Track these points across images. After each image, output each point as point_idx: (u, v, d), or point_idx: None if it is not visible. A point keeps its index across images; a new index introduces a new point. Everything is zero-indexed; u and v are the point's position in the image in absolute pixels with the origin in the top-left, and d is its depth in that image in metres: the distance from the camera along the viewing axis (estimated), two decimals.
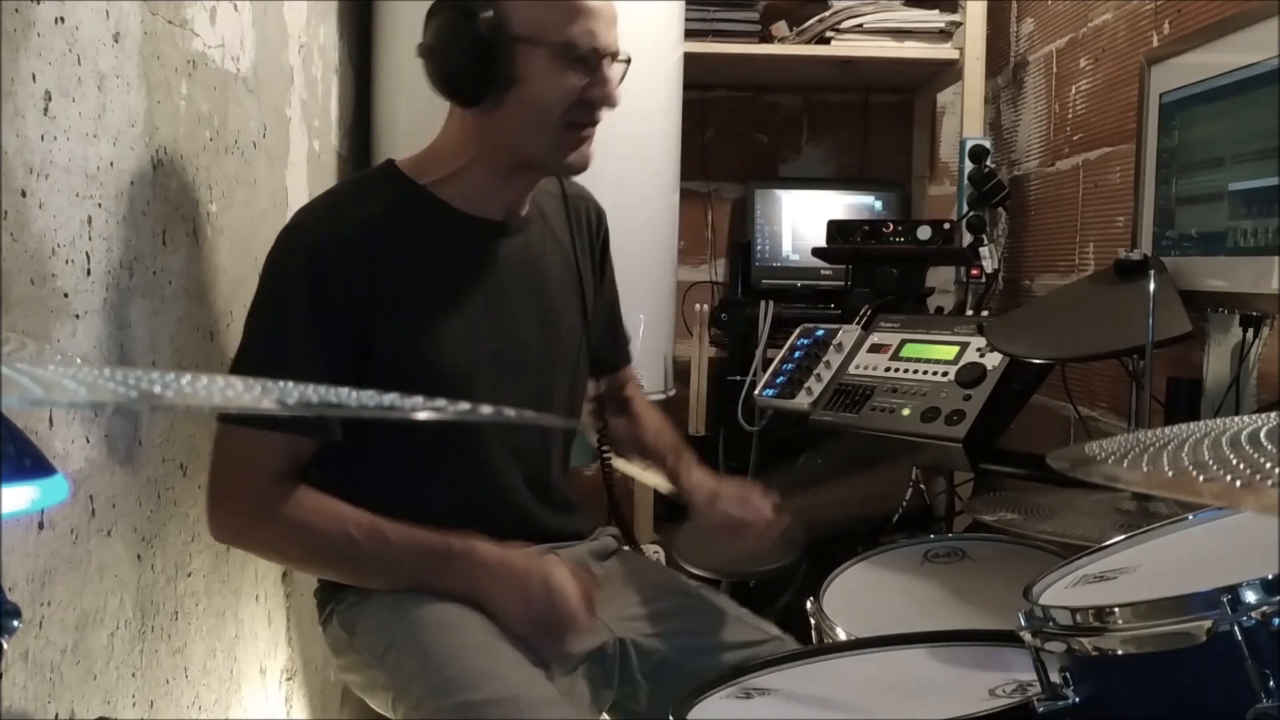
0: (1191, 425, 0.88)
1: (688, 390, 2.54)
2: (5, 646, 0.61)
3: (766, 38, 2.72)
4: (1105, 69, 2.20)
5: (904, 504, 2.50)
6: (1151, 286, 1.52)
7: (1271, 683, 0.80)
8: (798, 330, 2.28)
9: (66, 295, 1.04)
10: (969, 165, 2.54)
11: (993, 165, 2.54)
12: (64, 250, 1.04)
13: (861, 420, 1.94)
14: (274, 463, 1.27)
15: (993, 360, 1.85)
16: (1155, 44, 1.97)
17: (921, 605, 1.51)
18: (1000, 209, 2.64)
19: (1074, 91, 2.35)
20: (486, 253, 1.41)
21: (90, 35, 1.07)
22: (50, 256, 1.01)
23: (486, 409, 0.61)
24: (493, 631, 1.28)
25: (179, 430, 1.30)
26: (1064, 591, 1.05)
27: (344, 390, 0.57)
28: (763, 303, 2.54)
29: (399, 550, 1.30)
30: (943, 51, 2.66)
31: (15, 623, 0.62)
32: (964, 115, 2.64)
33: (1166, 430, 0.87)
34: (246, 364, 1.31)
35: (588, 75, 1.33)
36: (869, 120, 3.07)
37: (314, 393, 0.56)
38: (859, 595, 1.55)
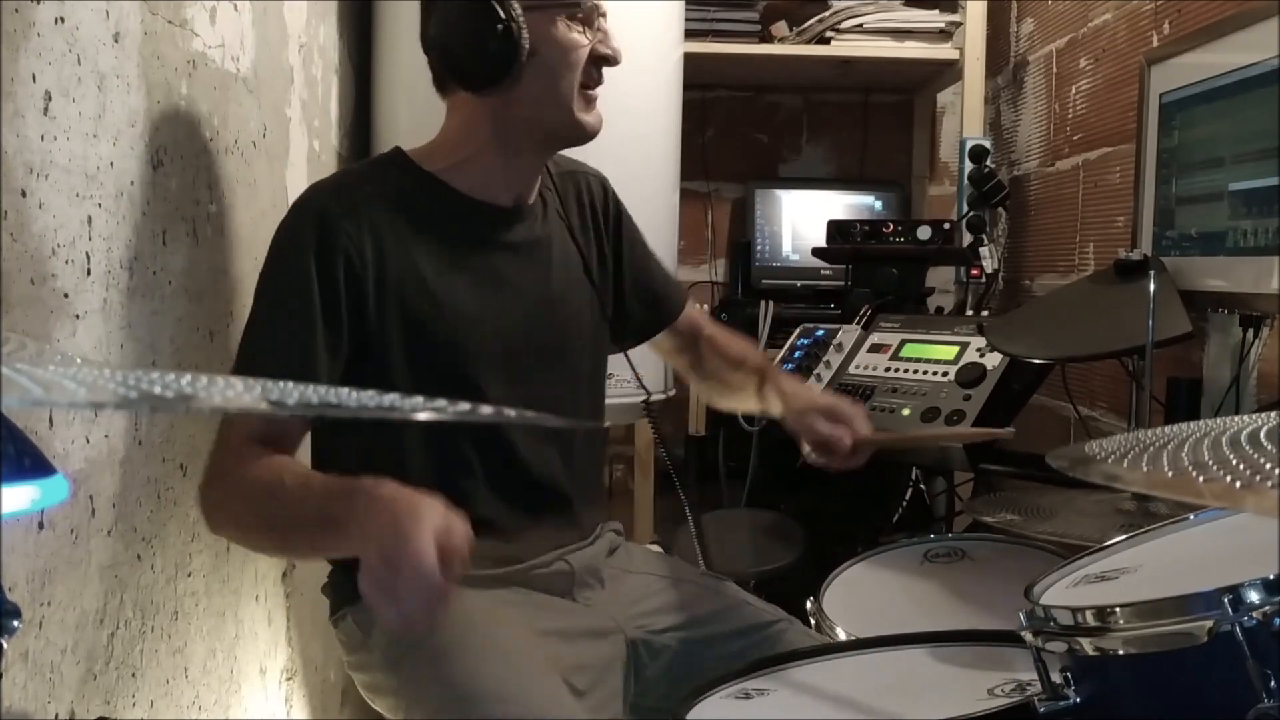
0: (1191, 425, 0.87)
1: (688, 390, 2.54)
2: (5, 646, 0.61)
3: (766, 38, 2.73)
4: (1105, 69, 2.20)
5: (903, 503, 2.50)
6: (1151, 286, 1.52)
7: (1273, 683, 0.80)
8: (798, 330, 2.28)
9: (66, 295, 1.04)
10: (969, 165, 2.54)
11: (993, 165, 2.54)
12: (64, 250, 1.04)
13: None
14: (250, 423, 1.23)
15: (993, 360, 1.85)
16: (1155, 44, 1.97)
17: (921, 605, 1.51)
18: (1000, 209, 2.64)
19: (1074, 91, 2.35)
20: (495, 237, 1.41)
21: (90, 35, 1.07)
22: (50, 256, 1.01)
23: (486, 409, 0.61)
24: (514, 645, 1.27)
25: (179, 430, 1.30)
26: (1065, 591, 1.05)
27: (344, 390, 0.57)
28: (763, 303, 2.54)
29: (316, 490, 1.18)
30: (943, 51, 2.66)
31: (15, 623, 0.61)
32: (964, 115, 2.64)
33: (1166, 430, 0.87)
34: (252, 336, 1.30)
35: (592, 33, 1.36)
36: (869, 120, 3.07)
37: (314, 393, 0.56)
38: (859, 595, 1.55)
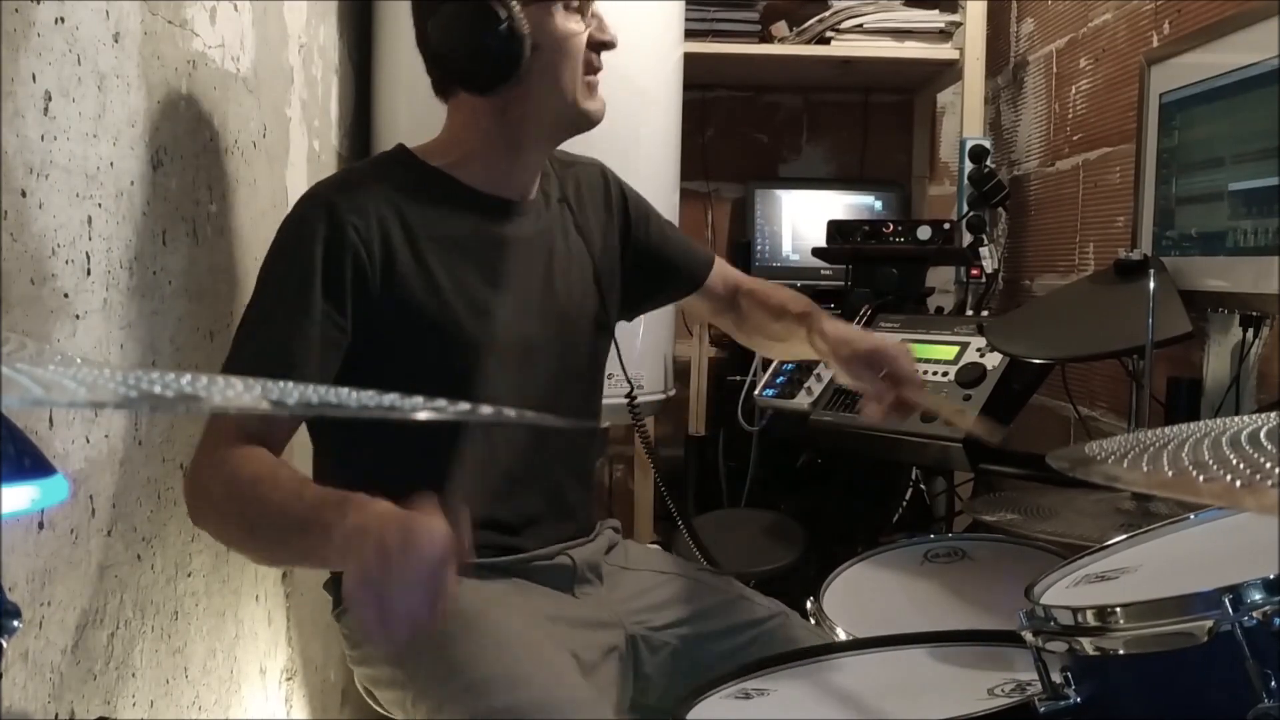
0: (1191, 425, 0.88)
1: (688, 390, 2.54)
2: (5, 646, 0.61)
3: (766, 38, 2.72)
4: (1105, 69, 2.20)
5: (903, 503, 2.50)
6: (1151, 286, 1.52)
7: (1273, 683, 0.80)
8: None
9: (66, 295, 1.04)
10: (969, 165, 2.54)
11: (993, 165, 2.54)
12: (64, 250, 1.04)
13: (861, 420, 1.94)
14: (240, 418, 1.20)
15: (993, 360, 1.85)
16: (1155, 44, 1.97)
17: (921, 605, 1.51)
18: (1000, 209, 2.64)
19: (1074, 91, 2.35)
20: (499, 229, 1.41)
21: (90, 35, 1.07)
22: (50, 256, 1.01)
23: (487, 409, 0.61)
24: (521, 631, 1.27)
25: (179, 430, 1.30)
26: (1065, 591, 1.05)
27: (344, 390, 0.57)
28: None
29: (306, 499, 1.12)
30: (943, 51, 2.66)
31: (15, 623, 0.61)
32: (964, 115, 2.64)
33: (1166, 430, 0.87)
34: (251, 322, 1.29)
35: (587, 19, 1.36)
36: (869, 120, 3.07)
37: (314, 393, 0.56)
38: (859, 595, 1.55)
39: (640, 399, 1.77)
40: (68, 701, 1.05)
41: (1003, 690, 1.09)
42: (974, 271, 2.51)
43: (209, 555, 1.40)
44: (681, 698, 1.19)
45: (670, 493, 1.70)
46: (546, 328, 1.44)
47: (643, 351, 2.05)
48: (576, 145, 1.49)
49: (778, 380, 2.19)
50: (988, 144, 2.55)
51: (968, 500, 2.26)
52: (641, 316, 1.73)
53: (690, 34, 2.38)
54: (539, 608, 1.34)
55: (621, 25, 1.40)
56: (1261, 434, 0.77)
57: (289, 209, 1.36)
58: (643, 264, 1.58)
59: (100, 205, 1.10)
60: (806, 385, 2.12)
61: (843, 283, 2.54)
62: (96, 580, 1.11)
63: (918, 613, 1.47)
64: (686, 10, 2.28)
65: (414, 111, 2.00)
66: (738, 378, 2.47)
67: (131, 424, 1.19)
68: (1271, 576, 0.82)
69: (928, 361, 1.96)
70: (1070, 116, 2.37)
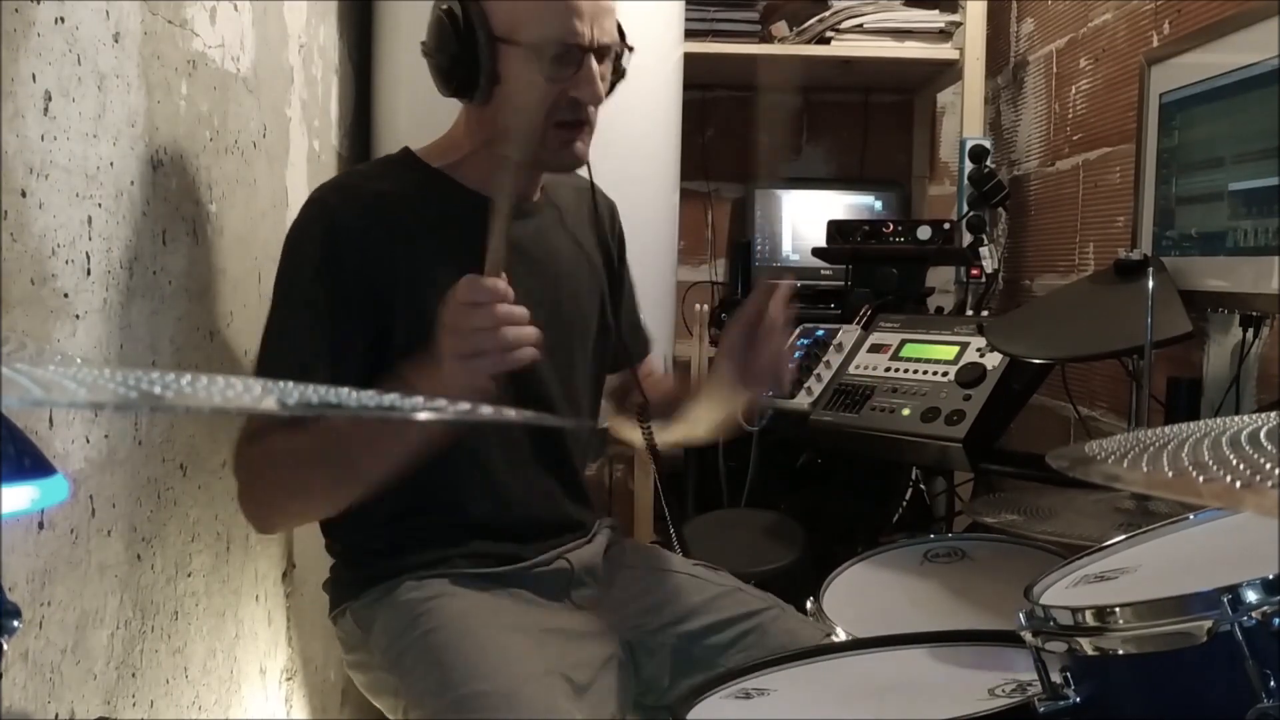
0: (1191, 425, 0.87)
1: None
2: (5, 646, 0.61)
3: (766, 38, 2.72)
4: (1105, 69, 2.20)
5: (903, 503, 2.50)
6: (1151, 286, 1.52)
7: (1272, 683, 0.80)
8: (798, 330, 2.28)
9: (66, 295, 1.04)
10: (969, 165, 2.54)
11: (993, 165, 2.54)
12: (64, 250, 1.04)
13: (861, 420, 1.94)
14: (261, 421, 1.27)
15: (993, 360, 1.85)
16: (1155, 44, 1.97)
17: (921, 605, 1.51)
18: (1000, 209, 2.64)
19: (1074, 91, 2.35)
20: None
21: (90, 35, 1.07)
22: (50, 256, 1.01)
23: (487, 409, 0.61)
24: (513, 644, 1.28)
25: (179, 430, 1.30)
26: (1064, 591, 1.05)
27: (344, 390, 0.57)
28: None
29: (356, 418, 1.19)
30: (943, 51, 2.66)
31: (15, 623, 0.61)
32: (964, 115, 2.64)
33: (1166, 430, 0.87)
34: (269, 339, 1.33)
35: (570, 73, 1.32)
36: (869, 120, 3.07)
37: (314, 393, 0.56)
38: (859, 595, 1.54)
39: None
40: (68, 701, 1.05)
41: (1003, 690, 1.09)
42: (974, 271, 2.51)
43: (209, 555, 1.40)
44: (681, 698, 1.19)
45: (669, 494, 1.70)
46: (549, 329, 1.44)
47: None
48: None
49: None
50: (988, 144, 2.55)
51: (968, 500, 2.26)
52: (641, 315, 1.73)
53: (690, 34, 2.38)
54: (535, 622, 1.34)
55: (606, 19, 1.39)
56: (1261, 434, 0.77)
57: (289, 209, 1.36)
58: (621, 315, 1.59)
59: (100, 205, 1.10)
60: (806, 385, 2.12)
61: (843, 283, 2.54)
62: (96, 580, 1.11)
63: (918, 613, 1.47)
64: (686, 10, 2.28)
65: (414, 111, 2.00)
66: None
67: (131, 424, 1.19)
68: (1271, 576, 0.82)
69: (928, 361, 1.96)
70: (1070, 116, 2.37)
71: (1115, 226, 2.11)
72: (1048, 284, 2.47)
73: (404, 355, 1.32)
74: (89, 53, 1.07)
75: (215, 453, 1.39)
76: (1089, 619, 0.91)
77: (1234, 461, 0.70)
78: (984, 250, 2.48)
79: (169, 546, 1.28)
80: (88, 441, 1.09)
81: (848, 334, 2.17)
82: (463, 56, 1.32)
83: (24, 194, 0.97)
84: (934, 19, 2.67)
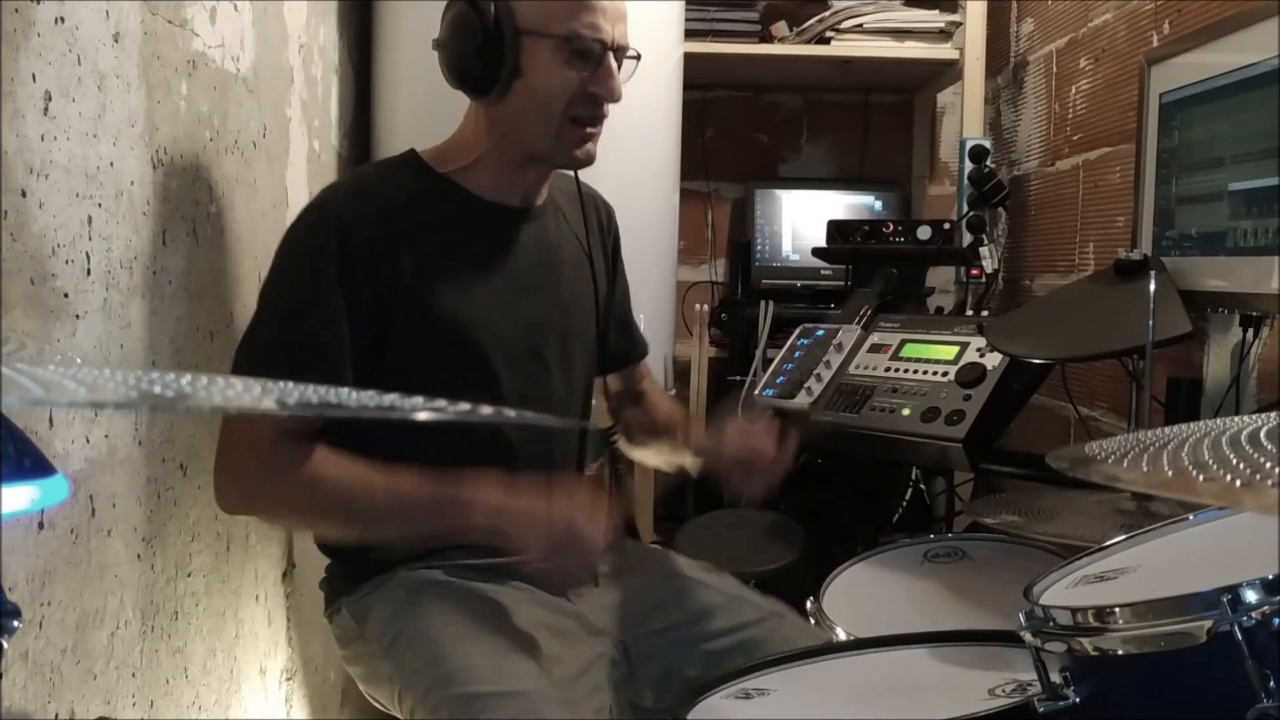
0: (1191, 425, 0.88)
1: (688, 390, 2.54)
2: (5, 646, 0.61)
3: (766, 38, 2.72)
4: (1105, 69, 2.20)
5: (903, 503, 2.50)
6: (1151, 286, 1.52)
7: (1272, 683, 0.80)
8: (798, 330, 2.28)
9: (66, 295, 1.04)
10: (969, 165, 2.54)
11: (993, 165, 2.54)
12: (64, 250, 1.04)
13: (861, 420, 1.94)
14: (277, 419, 1.27)
15: (993, 360, 1.85)
16: (1155, 44, 1.97)
17: (921, 605, 1.51)
18: (1000, 209, 2.64)
19: (1074, 91, 2.35)
20: (505, 235, 1.43)
21: (90, 35, 1.07)
22: (50, 256, 1.01)
23: (486, 409, 0.61)
24: (502, 627, 1.29)
25: (179, 430, 1.30)
26: (1064, 592, 1.05)
27: (344, 390, 0.57)
28: (763, 303, 2.54)
29: (416, 505, 1.28)
30: (943, 51, 2.66)
31: (15, 623, 0.62)
32: (964, 115, 2.64)
33: (1166, 430, 0.87)
34: (265, 335, 1.31)
35: (591, 69, 1.35)
36: (869, 120, 3.07)
37: (314, 393, 0.56)
38: (859, 595, 1.55)
39: None
40: (68, 701, 1.05)
41: (1003, 690, 1.09)
42: (974, 271, 2.51)
43: (209, 555, 1.40)
44: (682, 698, 1.19)
45: (671, 494, 1.71)
46: (550, 327, 1.45)
47: None
48: None
49: (778, 380, 2.19)
50: (988, 144, 2.55)
51: (968, 501, 2.26)
52: (640, 315, 1.73)
53: (690, 34, 2.38)
54: (531, 616, 1.34)
55: (625, 23, 1.40)
56: (1261, 434, 0.77)
57: (289, 209, 1.36)
58: (614, 317, 1.61)
59: (100, 205, 1.10)
60: (806, 385, 2.12)
61: (843, 283, 2.54)
62: (96, 580, 1.11)
63: (918, 613, 1.47)
64: (686, 10, 2.28)
65: (414, 111, 2.00)
66: (738, 378, 2.47)
67: (131, 424, 1.19)
68: (1270, 576, 0.82)
69: (928, 361, 1.96)
70: (1070, 116, 2.37)
71: (1115, 226, 2.11)
72: (1048, 284, 2.47)
73: (400, 356, 1.33)
74: (89, 53, 1.07)
75: (215, 453, 1.39)
76: (1089, 619, 0.91)
77: (1234, 461, 0.70)
78: (984, 250, 2.48)
79: (169, 546, 1.28)
80: (88, 441, 1.09)
81: (848, 334, 2.17)
82: (485, 50, 1.33)
83: (24, 194, 0.97)
84: (934, 19, 2.67)
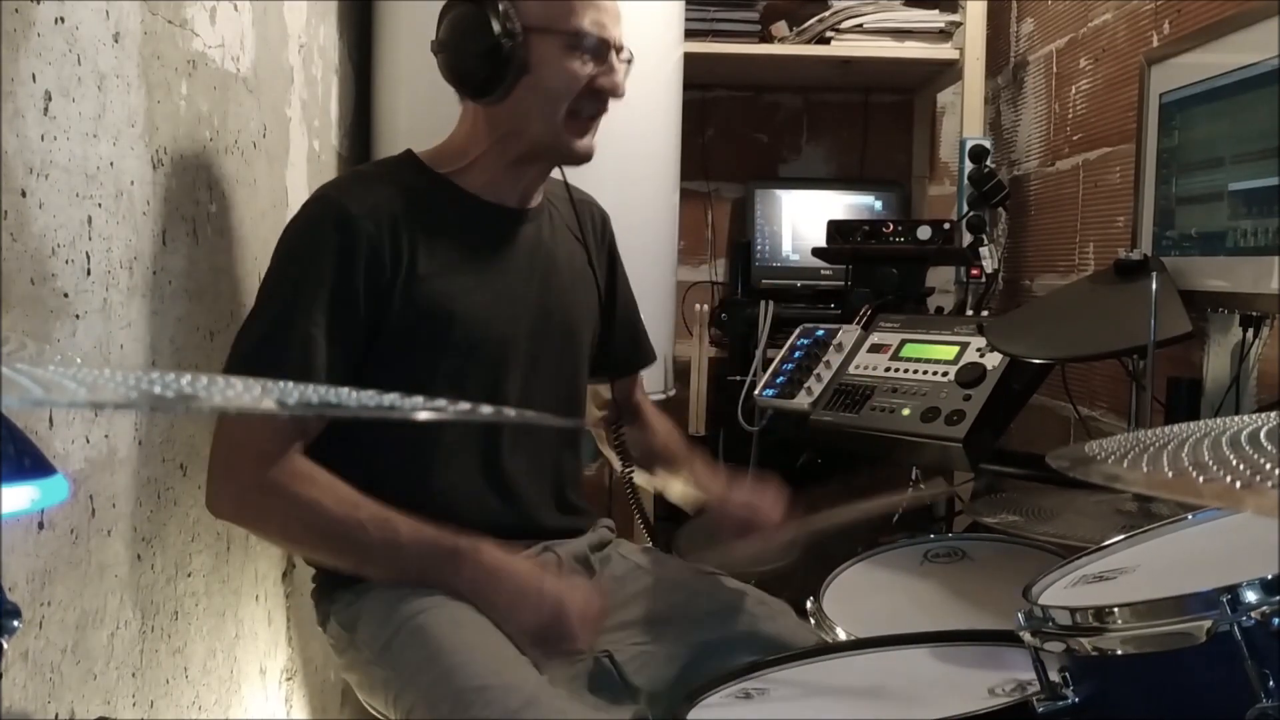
0: (1191, 425, 0.88)
1: (688, 390, 2.54)
2: (5, 646, 0.61)
3: (766, 38, 2.72)
4: (1105, 69, 2.20)
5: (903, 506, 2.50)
6: (1152, 286, 1.52)
7: (1271, 683, 0.80)
8: (798, 330, 2.28)
9: (66, 295, 1.04)
10: (969, 165, 2.54)
11: (993, 165, 2.54)
12: (64, 250, 1.04)
13: (861, 420, 1.94)
14: (275, 424, 1.27)
15: (993, 360, 1.85)
16: (1155, 44, 1.97)
17: (921, 605, 1.51)
18: (1000, 209, 2.64)
19: (1074, 91, 2.35)
20: (502, 235, 1.44)
21: (90, 35, 1.07)
22: (50, 256, 1.01)
23: (486, 409, 0.61)
24: (493, 627, 1.29)
25: (179, 430, 1.30)
26: (1063, 591, 1.05)
27: (344, 390, 0.57)
28: (763, 303, 2.53)
29: (407, 546, 1.29)
30: (943, 51, 2.66)
31: (15, 623, 0.62)
32: (964, 115, 2.64)
33: (1166, 430, 0.87)
34: (260, 327, 1.31)
35: (596, 65, 1.37)
36: (869, 120, 3.07)
37: (314, 393, 0.56)
38: (859, 595, 1.54)
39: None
40: (68, 701, 1.05)
41: (1003, 690, 1.09)
42: (974, 271, 2.51)
43: (209, 555, 1.40)
44: (682, 698, 1.19)
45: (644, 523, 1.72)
46: (548, 330, 1.45)
47: None
48: None
49: (778, 380, 2.19)
50: (988, 144, 2.54)
51: (968, 501, 2.26)
52: (641, 314, 1.73)
53: (690, 34, 2.38)
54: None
55: (622, 25, 1.40)
56: (1261, 434, 0.77)
57: (289, 209, 1.36)
58: (617, 321, 1.60)
59: (100, 205, 1.10)
60: (806, 385, 2.12)
61: (843, 283, 2.54)
62: (96, 580, 1.11)
63: (918, 613, 1.47)
64: (686, 10, 2.28)
65: (414, 112, 2.00)
66: (738, 378, 2.47)
67: (131, 424, 1.19)
68: (1270, 576, 0.82)
69: (928, 361, 1.96)
70: (1070, 116, 2.37)
71: (1115, 226, 2.11)
72: (1048, 284, 2.47)
73: (395, 352, 1.33)
74: (89, 53, 1.07)
75: (209, 457, 1.39)
76: (1088, 619, 0.91)
77: (1234, 461, 0.70)
78: (984, 250, 2.48)
79: (169, 546, 1.28)
80: (88, 441, 1.09)
81: (848, 334, 2.17)
82: (493, 49, 1.33)
83: (24, 194, 0.97)
84: (934, 19, 2.67)
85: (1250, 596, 0.82)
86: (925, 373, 1.94)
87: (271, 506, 1.29)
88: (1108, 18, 2.18)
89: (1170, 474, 0.71)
